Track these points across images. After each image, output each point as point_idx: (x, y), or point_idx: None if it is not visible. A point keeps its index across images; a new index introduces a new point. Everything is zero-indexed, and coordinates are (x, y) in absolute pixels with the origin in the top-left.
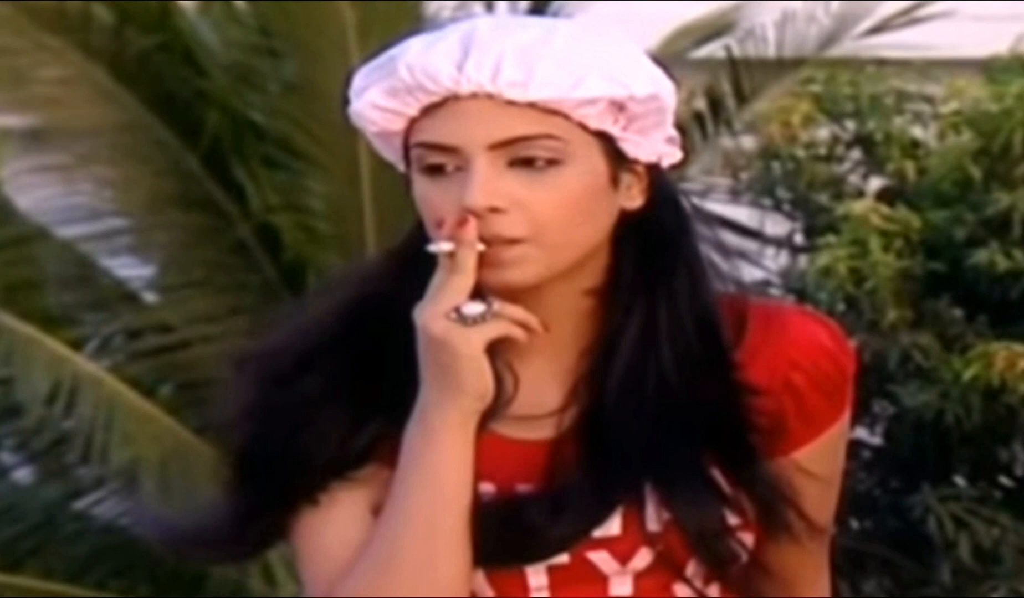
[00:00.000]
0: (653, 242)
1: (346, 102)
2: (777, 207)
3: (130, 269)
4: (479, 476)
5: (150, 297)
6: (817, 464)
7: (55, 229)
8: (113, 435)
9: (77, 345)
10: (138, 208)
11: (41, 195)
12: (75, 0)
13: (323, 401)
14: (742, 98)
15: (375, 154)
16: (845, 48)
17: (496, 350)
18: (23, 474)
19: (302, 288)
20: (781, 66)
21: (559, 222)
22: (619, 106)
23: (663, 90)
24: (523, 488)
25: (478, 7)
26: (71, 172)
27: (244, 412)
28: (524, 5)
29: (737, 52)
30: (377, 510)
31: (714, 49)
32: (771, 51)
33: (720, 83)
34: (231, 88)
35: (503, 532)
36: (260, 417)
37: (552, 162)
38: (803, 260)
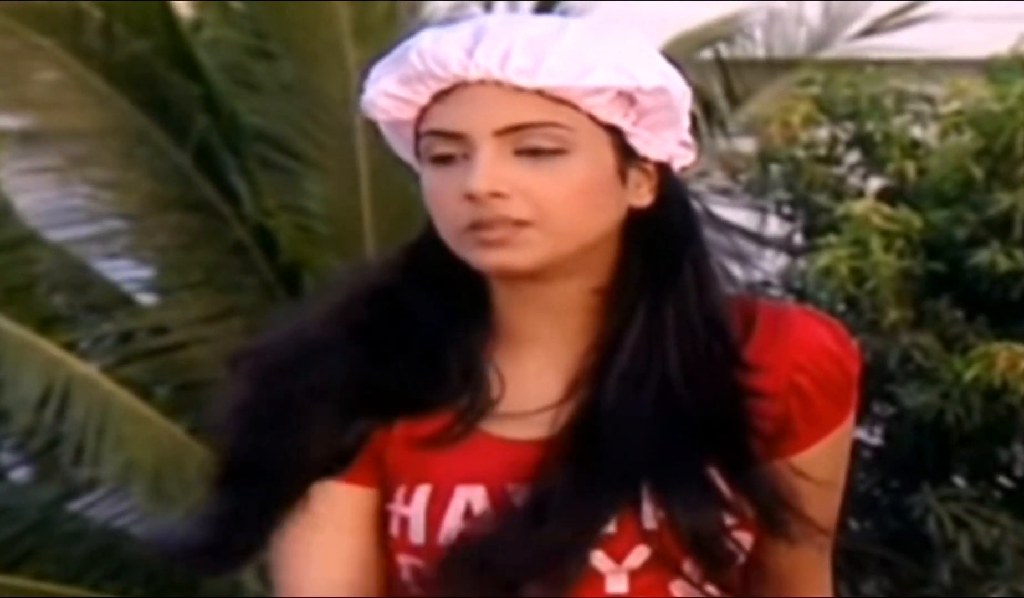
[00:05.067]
0: (661, 242)
1: (360, 93)
2: (776, 208)
3: (126, 271)
4: (470, 478)
5: (146, 299)
6: (821, 466)
7: (50, 231)
8: (107, 437)
9: (72, 347)
10: (134, 210)
11: (36, 197)
12: (65, 0)
13: (315, 397)
14: (734, 100)
15: (373, 155)
16: (840, 49)
17: (490, 352)
18: (19, 475)
19: (299, 290)
20: (772, 67)
21: (563, 210)
22: (628, 99)
23: (673, 86)
24: (512, 487)
25: (476, 7)
26: (66, 174)
27: (235, 409)
28: (525, 6)
29: (725, 54)
30: (360, 513)
31: (703, 51)
32: (760, 52)
33: (711, 85)
34: (227, 90)
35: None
36: (251, 414)
37: (558, 151)
38: (803, 260)
